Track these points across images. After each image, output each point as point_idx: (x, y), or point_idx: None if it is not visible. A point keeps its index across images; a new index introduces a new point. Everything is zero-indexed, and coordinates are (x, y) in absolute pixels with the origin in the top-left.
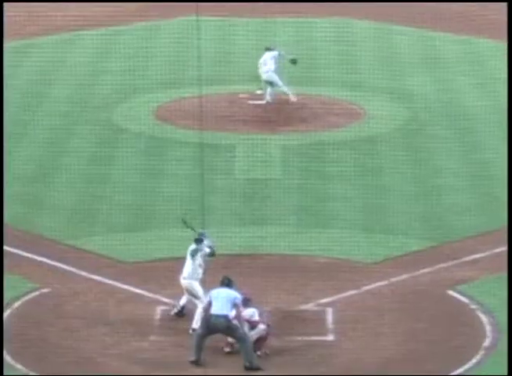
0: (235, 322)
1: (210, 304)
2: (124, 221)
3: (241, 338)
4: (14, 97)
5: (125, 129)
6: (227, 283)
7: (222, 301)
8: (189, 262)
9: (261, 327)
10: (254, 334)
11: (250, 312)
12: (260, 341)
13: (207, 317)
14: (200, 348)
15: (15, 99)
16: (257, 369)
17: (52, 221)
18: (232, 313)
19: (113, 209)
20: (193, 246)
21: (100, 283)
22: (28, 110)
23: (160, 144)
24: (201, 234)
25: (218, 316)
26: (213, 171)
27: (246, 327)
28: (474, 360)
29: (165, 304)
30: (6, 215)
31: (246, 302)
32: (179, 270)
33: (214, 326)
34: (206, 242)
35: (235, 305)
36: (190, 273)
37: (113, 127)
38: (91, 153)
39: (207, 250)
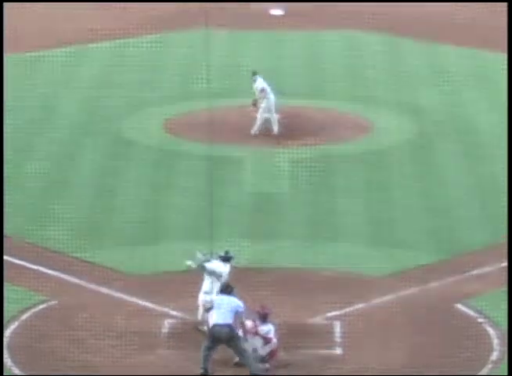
0: (238, 331)
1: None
2: (133, 234)
3: (240, 352)
4: (24, 110)
5: (134, 142)
6: (229, 290)
7: (226, 310)
8: (210, 279)
9: (274, 341)
10: (266, 348)
11: (267, 329)
12: (270, 354)
13: (211, 328)
14: (207, 360)
15: (25, 112)
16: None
17: (61, 233)
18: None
19: (121, 222)
20: (220, 266)
21: (108, 295)
22: (38, 122)
23: (169, 157)
24: (228, 252)
25: (221, 326)
26: (222, 185)
27: (260, 341)
28: (481, 374)
29: (173, 317)
30: (14, 228)
31: (265, 317)
32: (187, 283)
33: (218, 335)
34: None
35: (237, 313)
36: (211, 288)
37: (122, 140)
38: (100, 165)
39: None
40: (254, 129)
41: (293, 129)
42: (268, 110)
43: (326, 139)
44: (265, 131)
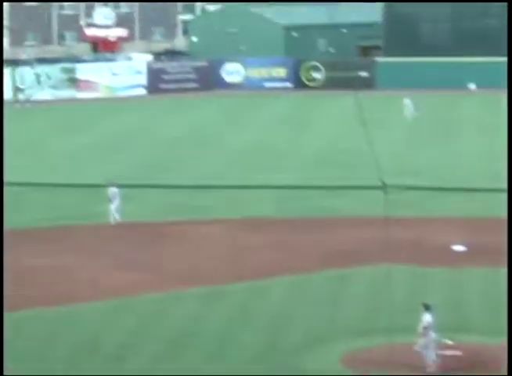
0: None
1: None
2: None
3: None
4: (201, 343)
5: None
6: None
7: None
8: None
9: None
10: None
11: None
12: None
13: None
14: None
15: (201, 344)
16: None
17: None
18: None
19: None
20: None
21: None
22: (213, 355)
23: None
24: None
25: None
26: None
27: None
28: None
29: None
30: None
31: None
32: None
33: None
34: None
35: None
36: None
37: (300, 374)
38: None
39: None
40: (430, 365)
41: (472, 364)
42: (427, 347)
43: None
44: (439, 363)
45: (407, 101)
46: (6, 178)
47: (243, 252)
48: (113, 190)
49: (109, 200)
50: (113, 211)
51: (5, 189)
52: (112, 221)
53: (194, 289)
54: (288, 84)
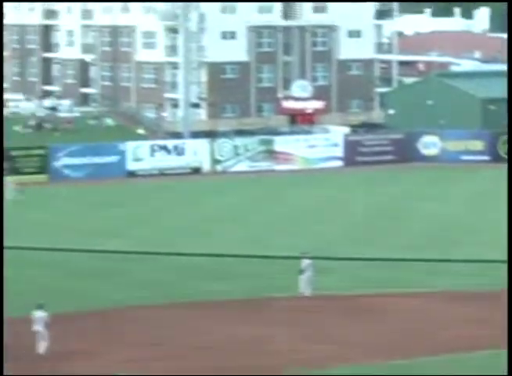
0: None
1: None
2: None
3: None
4: None
5: None
6: None
7: None
8: None
9: None
10: None
11: None
12: None
13: None
14: None
15: None
16: None
17: None
18: None
19: None
20: None
21: None
22: None
23: None
24: None
25: None
26: None
27: None
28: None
29: None
30: None
31: None
32: None
33: None
34: None
35: None
36: None
37: None
38: None
39: None
40: None
41: None
42: None
43: None
44: None
45: None
46: (210, 249)
47: (440, 325)
48: (306, 262)
49: (302, 272)
50: (305, 282)
51: (208, 259)
52: (305, 293)
53: (386, 362)
54: (485, 158)
